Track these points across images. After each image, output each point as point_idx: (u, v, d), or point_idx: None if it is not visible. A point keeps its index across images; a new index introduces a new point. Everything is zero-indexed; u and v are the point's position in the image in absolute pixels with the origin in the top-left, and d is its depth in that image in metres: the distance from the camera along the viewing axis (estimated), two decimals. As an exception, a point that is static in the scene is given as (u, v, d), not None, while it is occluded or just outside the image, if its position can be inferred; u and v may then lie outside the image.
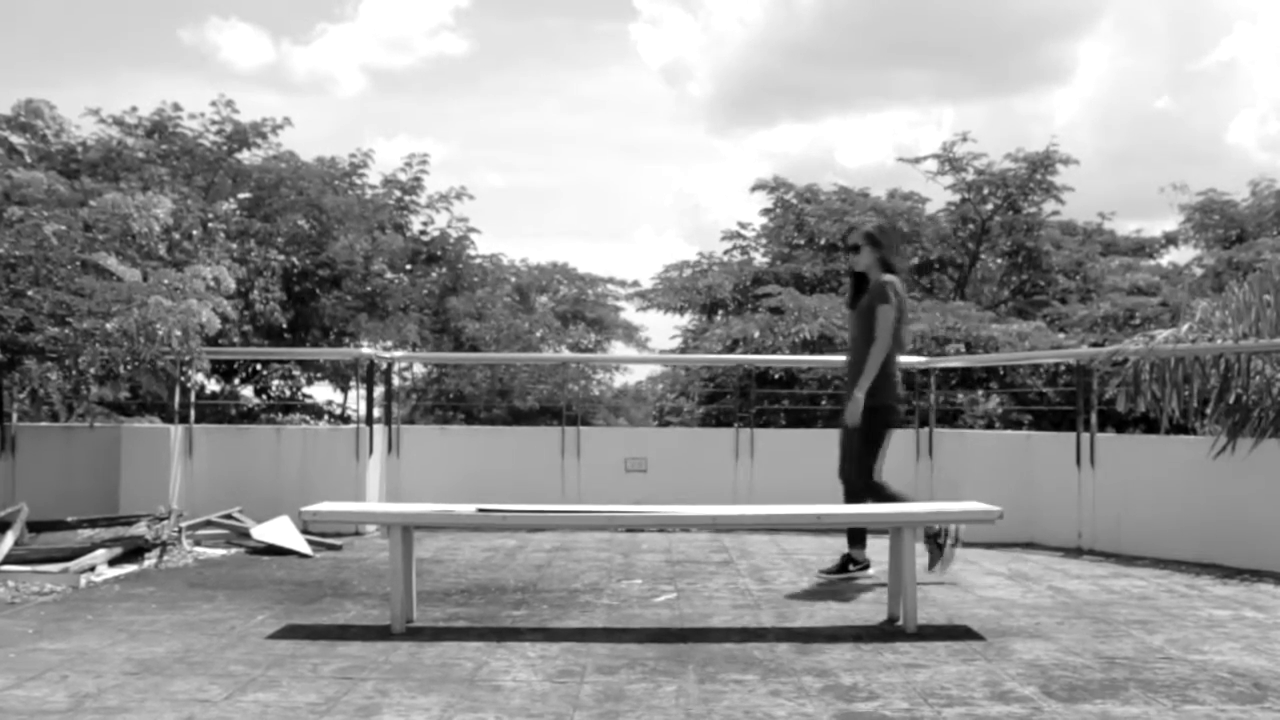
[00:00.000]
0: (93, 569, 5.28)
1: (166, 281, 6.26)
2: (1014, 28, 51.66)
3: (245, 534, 6.35)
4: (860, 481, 5.24)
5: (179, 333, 6.08)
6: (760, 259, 18.16)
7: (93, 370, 6.29)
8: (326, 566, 5.79)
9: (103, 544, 5.59)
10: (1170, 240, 19.13)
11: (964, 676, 3.47)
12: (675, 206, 57.79)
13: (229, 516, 6.60)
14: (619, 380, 21.15)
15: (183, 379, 7.35)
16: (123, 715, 3.02)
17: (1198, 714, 3.07)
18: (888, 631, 4.20)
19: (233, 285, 6.72)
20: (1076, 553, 6.46)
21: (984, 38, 52.52)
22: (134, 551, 5.67)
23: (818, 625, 4.32)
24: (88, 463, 7.17)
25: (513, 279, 19.43)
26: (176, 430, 7.24)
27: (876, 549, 5.23)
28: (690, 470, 7.59)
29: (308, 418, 13.78)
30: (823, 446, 5.82)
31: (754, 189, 18.09)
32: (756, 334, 13.38)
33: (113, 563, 5.47)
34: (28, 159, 11.53)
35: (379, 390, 8.11)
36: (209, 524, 6.49)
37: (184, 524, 6.23)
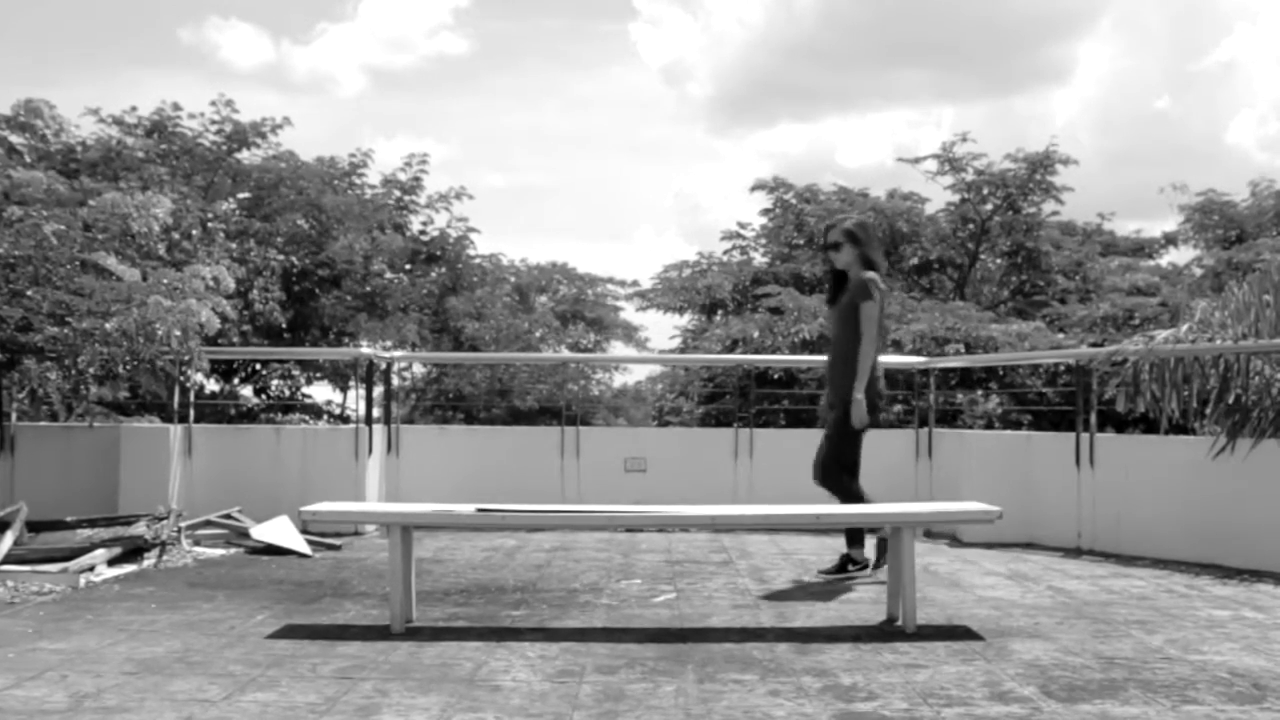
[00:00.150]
0: (92, 569, 5.27)
1: (166, 281, 6.25)
2: (1014, 28, 51.72)
3: (245, 534, 6.35)
4: (829, 471, 5.24)
5: (178, 332, 6.08)
6: (760, 259, 18.18)
7: (92, 370, 6.30)
8: (326, 566, 5.79)
9: (102, 544, 5.58)
10: (1170, 241, 19.15)
11: (963, 676, 3.47)
12: (675, 206, 57.87)
13: (228, 516, 6.60)
14: (618, 380, 21.22)
15: (182, 379, 7.35)
16: (122, 715, 3.01)
17: (1197, 714, 3.07)
18: (887, 631, 4.19)
19: (232, 285, 6.71)
20: (1076, 553, 6.46)
21: (984, 38, 52.58)
22: (133, 551, 5.67)
23: (817, 625, 4.32)
24: (87, 462, 7.16)
25: (512, 279, 19.46)
26: (176, 430, 7.24)
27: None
28: (690, 470, 7.60)
29: (307, 417, 13.79)
30: (822, 447, 5.82)
31: (754, 189, 18.14)
32: (756, 334, 13.40)
33: (112, 562, 5.46)
34: (27, 158, 11.56)
35: (378, 390, 8.11)
36: (208, 524, 6.49)
37: (183, 524, 6.23)
